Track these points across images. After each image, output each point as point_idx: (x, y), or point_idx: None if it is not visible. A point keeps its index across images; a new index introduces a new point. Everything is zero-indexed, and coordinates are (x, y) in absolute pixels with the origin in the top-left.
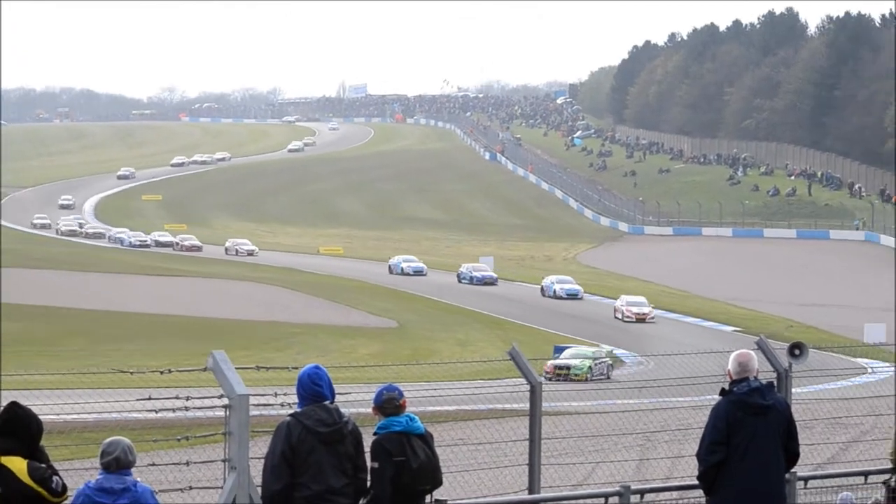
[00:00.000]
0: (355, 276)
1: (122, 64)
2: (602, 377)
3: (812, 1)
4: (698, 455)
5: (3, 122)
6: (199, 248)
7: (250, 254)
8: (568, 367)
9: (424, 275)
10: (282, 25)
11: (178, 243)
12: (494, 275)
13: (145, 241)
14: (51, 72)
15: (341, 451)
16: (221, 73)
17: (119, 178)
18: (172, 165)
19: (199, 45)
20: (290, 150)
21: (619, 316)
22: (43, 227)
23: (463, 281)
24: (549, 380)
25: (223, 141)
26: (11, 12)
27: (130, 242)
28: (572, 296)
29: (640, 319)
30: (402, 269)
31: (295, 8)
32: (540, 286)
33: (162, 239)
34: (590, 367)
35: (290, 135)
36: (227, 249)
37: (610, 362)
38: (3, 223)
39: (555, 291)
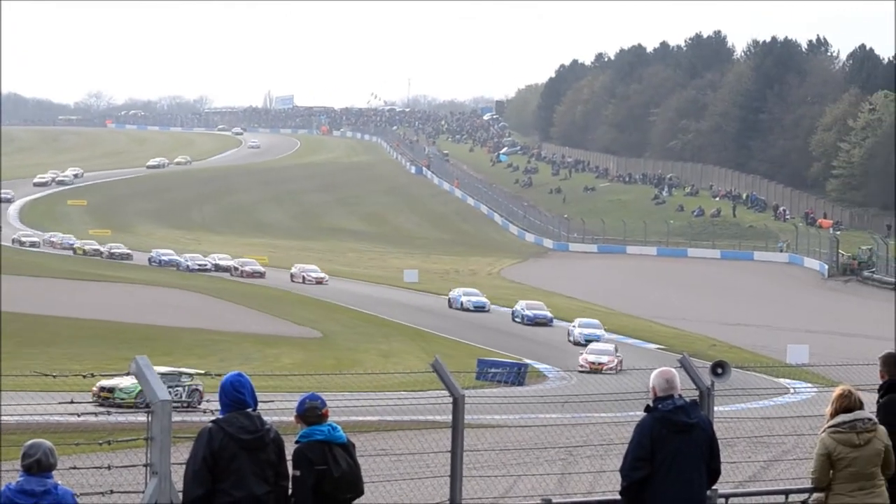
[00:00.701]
0: (280, 285)
1: (48, 68)
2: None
3: (740, 22)
4: (622, 470)
5: None
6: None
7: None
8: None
9: (487, 311)
10: (210, 34)
11: (236, 268)
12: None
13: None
14: None
15: (263, 458)
16: (149, 80)
17: (148, 167)
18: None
19: (127, 51)
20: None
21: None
22: None
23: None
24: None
25: (149, 149)
26: None
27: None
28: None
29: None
30: (461, 303)
31: (224, 17)
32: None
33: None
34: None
35: (217, 144)
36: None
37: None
38: None
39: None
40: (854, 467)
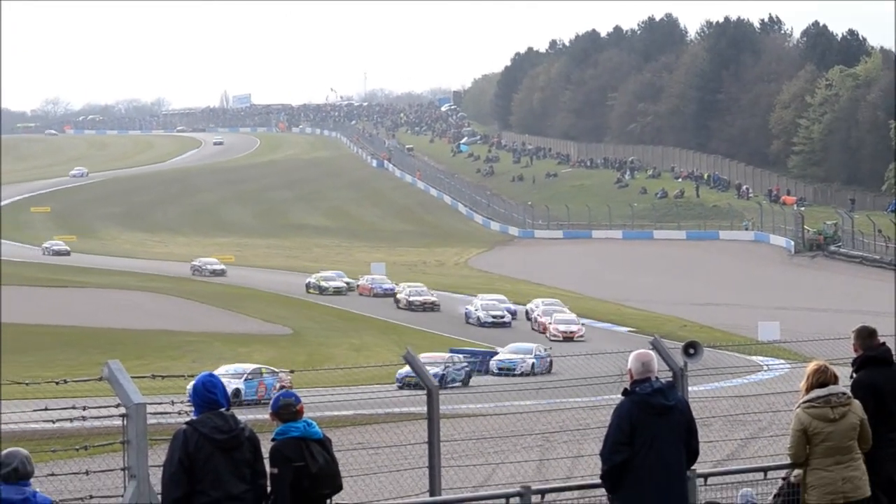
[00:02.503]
0: (248, 283)
1: (4, 76)
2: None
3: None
4: (602, 454)
5: None
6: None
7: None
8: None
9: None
10: (164, 35)
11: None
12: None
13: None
14: None
15: (239, 457)
16: (105, 84)
17: (72, 176)
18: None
19: (82, 56)
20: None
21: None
22: None
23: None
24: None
25: (109, 153)
26: None
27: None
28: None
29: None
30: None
31: (177, 18)
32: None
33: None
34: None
35: (177, 145)
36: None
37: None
38: None
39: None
40: (830, 441)
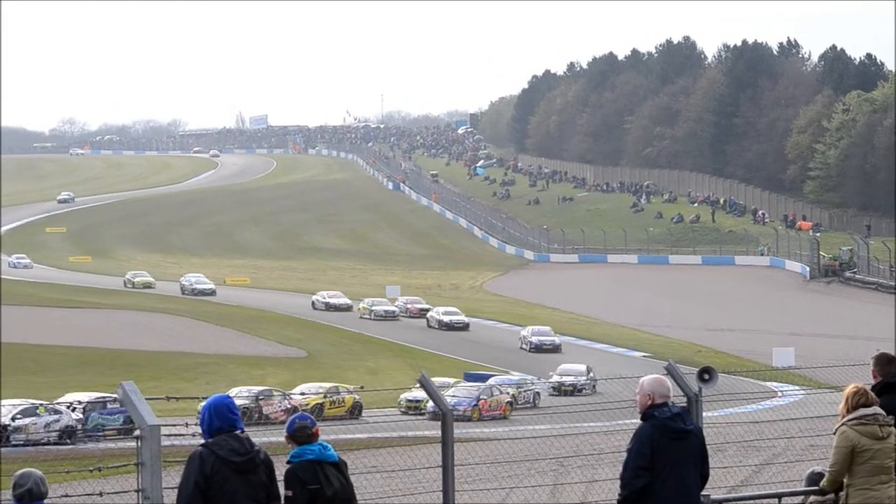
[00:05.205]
0: (263, 306)
1: (21, 96)
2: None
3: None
4: (622, 479)
5: None
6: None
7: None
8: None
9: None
10: (183, 56)
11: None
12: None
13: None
14: None
15: (255, 480)
16: (122, 104)
17: (59, 202)
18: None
19: (100, 77)
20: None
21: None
22: None
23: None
24: None
25: (125, 173)
26: None
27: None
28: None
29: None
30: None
31: (193, 39)
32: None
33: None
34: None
35: (193, 166)
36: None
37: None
38: None
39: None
40: (876, 460)
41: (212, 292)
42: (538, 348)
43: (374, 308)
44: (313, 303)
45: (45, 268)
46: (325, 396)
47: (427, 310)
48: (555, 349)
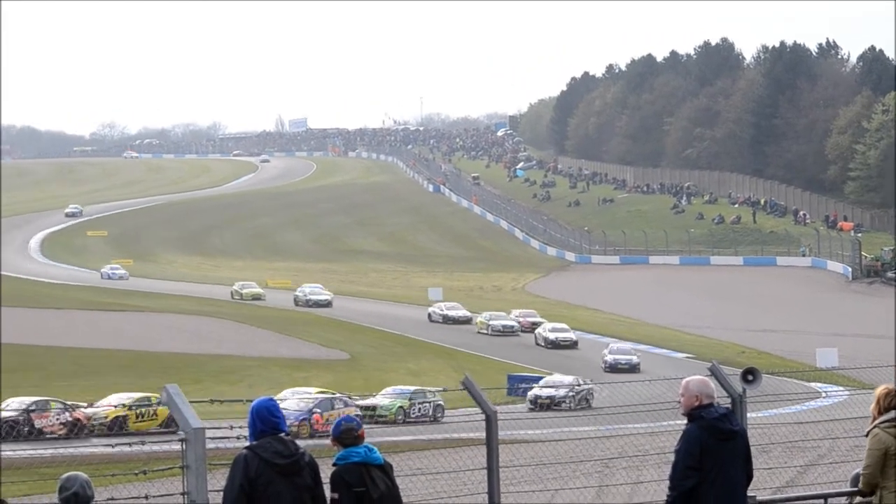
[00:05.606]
0: (304, 308)
1: (62, 101)
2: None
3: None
4: (672, 480)
5: None
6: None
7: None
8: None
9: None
10: (222, 59)
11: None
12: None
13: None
14: None
15: (299, 482)
16: (162, 108)
17: (67, 215)
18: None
19: (139, 80)
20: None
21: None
22: None
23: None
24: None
25: (165, 176)
26: None
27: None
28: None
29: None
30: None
31: (234, 42)
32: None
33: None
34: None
35: (233, 170)
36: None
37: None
38: None
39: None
40: None
41: (327, 303)
42: (613, 367)
43: (491, 322)
44: (429, 314)
45: (143, 278)
46: (129, 409)
47: (539, 323)
48: (631, 369)
